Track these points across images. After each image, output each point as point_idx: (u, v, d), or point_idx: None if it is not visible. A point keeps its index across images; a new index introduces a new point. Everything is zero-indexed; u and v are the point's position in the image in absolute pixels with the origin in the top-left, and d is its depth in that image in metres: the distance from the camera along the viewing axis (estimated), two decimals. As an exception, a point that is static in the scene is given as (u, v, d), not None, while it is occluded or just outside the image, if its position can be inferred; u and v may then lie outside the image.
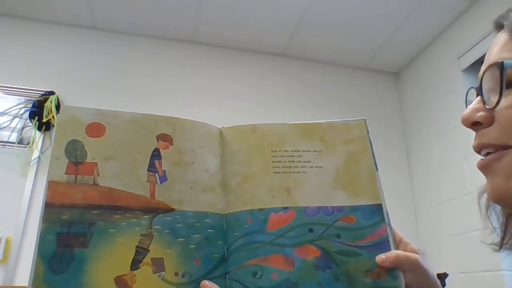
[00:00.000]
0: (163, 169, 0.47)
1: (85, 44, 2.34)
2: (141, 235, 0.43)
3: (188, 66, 2.44)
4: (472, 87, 0.51)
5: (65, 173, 0.44)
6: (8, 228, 1.87)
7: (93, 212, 0.43)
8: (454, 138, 2.10)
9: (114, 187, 0.45)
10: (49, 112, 2.05)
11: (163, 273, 0.43)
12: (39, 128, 2.05)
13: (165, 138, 0.49)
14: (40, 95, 2.11)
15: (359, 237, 0.47)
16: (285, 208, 0.49)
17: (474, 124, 0.46)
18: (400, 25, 2.30)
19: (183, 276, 0.43)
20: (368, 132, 0.53)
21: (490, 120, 0.45)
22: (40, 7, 2.21)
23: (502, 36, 0.48)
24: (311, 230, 0.47)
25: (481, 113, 0.45)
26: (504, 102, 0.43)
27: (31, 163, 2.00)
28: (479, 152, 0.47)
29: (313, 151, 0.52)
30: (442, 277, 1.78)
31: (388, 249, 0.46)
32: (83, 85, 2.23)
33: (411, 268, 0.46)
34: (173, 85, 2.37)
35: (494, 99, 0.44)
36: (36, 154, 2.02)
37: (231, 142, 0.52)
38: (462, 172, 2.03)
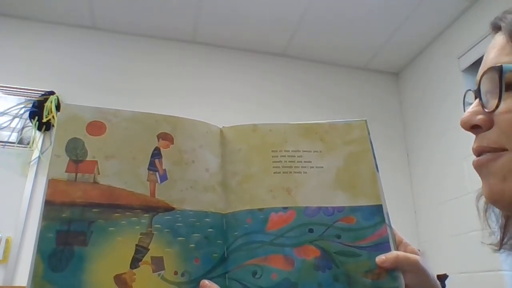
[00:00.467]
0: (163, 168, 0.47)
1: (85, 44, 2.34)
2: (141, 234, 0.43)
3: (188, 66, 2.44)
4: (469, 90, 0.51)
5: (66, 171, 0.44)
6: (8, 228, 1.87)
7: (93, 210, 0.43)
8: (454, 138, 2.10)
9: (115, 185, 0.45)
10: (49, 112, 2.05)
11: (162, 272, 0.43)
12: (39, 128, 2.05)
13: (165, 137, 0.49)
14: (40, 95, 2.11)
15: (359, 238, 0.47)
16: (285, 208, 0.49)
17: (473, 127, 0.46)
18: (400, 25, 2.30)
19: (182, 275, 0.43)
20: (369, 133, 0.53)
21: (489, 124, 0.45)
22: (40, 7, 2.21)
23: (500, 39, 0.47)
24: (311, 230, 0.47)
25: (480, 116, 0.45)
26: (503, 105, 0.43)
27: (31, 163, 2.00)
28: (478, 155, 0.47)
29: (314, 151, 0.51)
30: (442, 278, 1.78)
31: (388, 250, 0.46)
32: (83, 85, 2.23)
33: (411, 269, 0.46)
34: (173, 85, 2.37)
35: (493, 102, 0.44)
36: (36, 154, 2.02)
37: (232, 142, 0.52)
38: (462, 172, 2.02)
